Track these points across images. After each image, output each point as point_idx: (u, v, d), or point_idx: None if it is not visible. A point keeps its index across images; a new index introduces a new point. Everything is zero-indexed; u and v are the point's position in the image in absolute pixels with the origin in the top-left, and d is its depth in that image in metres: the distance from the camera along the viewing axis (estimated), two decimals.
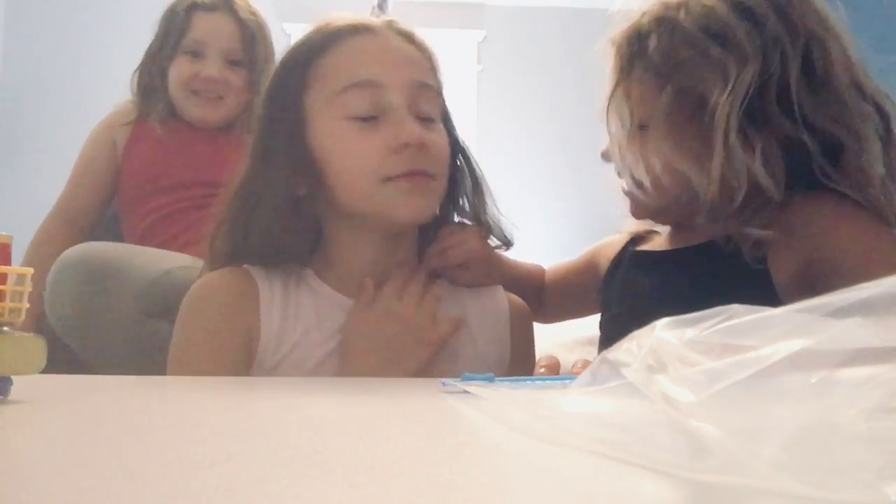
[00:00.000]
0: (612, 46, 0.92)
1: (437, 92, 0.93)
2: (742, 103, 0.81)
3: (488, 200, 1.00)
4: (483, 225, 0.98)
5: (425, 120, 0.88)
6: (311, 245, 0.92)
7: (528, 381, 0.61)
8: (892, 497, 0.20)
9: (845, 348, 0.24)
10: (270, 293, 0.87)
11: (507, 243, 1.00)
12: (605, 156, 0.96)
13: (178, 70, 1.47)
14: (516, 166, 3.84)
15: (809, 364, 0.24)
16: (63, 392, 0.63)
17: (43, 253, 1.39)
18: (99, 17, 3.69)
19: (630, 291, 0.96)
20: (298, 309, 0.88)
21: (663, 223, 0.98)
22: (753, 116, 0.82)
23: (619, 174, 0.95)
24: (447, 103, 0.98)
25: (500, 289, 0.99)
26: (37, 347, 0.53)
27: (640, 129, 0.88)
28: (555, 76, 3.77)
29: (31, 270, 0.55)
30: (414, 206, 0.86)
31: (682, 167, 0.85)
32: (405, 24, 0.97)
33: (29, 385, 0.55)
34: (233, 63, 1.47)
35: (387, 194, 0.85)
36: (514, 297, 1.00)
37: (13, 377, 0.52)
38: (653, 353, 0.28)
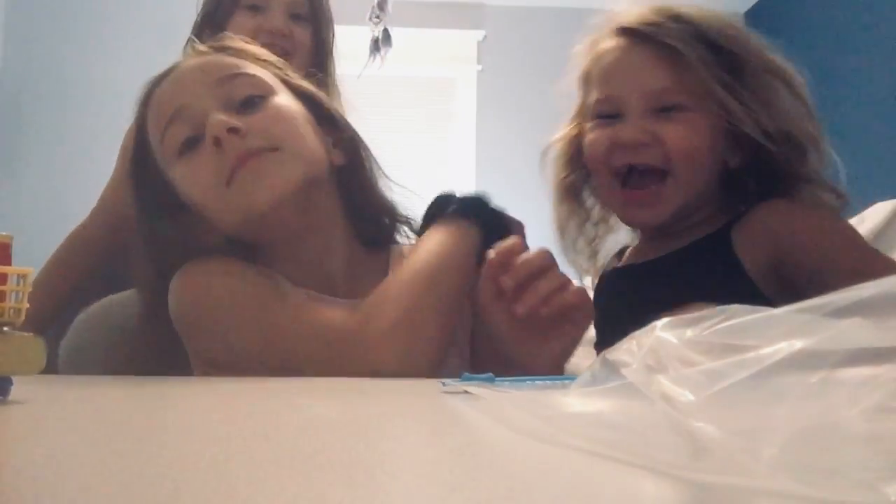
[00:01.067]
0: (625, 31, 0.94)
1: (248, 75, 0.90)
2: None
3: (379, 178, 0.98)
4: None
5: (249, 106, 0.86)
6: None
7: (528, 381, 0.61)
8: (892, 497, 0.20)
9: (845, 348, 0.24)
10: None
11: (413, 226, 0.99)
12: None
13: (239, 25, 1.33)
14: (516, 166, 3.84)
15: (809, 364, 0.24)
16: (63, 392, 0.63)
17: (78, 255, 1.30)
18: (99, 17, 3.69)
19: (625, 305, 0.97)
20: None
21: (671, 220, 0.98)
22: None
23: (631, 161, 0.93)
24: (289, 75, 0.96)
25: None
26: (37, 348, 0.53)
27: (672, 111, 0.90)
28: (555, 76, 3.77)
29: (31, 270, 0.55)
30: (261, 183, 0.83)
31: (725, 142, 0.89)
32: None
33: (29, 385, 0.55)
34: (296, 17, 1.37)
35: (236, 193, 0.83)
36: None
37: (13, 377, 0.52)
38: (652, 352, 0.28)
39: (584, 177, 1.03)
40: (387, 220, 0.99)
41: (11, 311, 0.53)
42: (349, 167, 0.95)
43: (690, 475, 0.25)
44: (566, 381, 0.39)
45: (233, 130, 0.82)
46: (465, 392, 0.56)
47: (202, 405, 0.57)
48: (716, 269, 0.89)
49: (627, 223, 1.01)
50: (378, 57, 3.28)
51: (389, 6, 3.13)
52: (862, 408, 0.24)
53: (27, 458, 0.33)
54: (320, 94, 0.98)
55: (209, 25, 1.37)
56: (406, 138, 3.92)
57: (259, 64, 0.94)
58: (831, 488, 0.22)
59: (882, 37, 2.95)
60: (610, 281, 1.04)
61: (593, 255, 1.05)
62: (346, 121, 0.99)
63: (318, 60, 1.39)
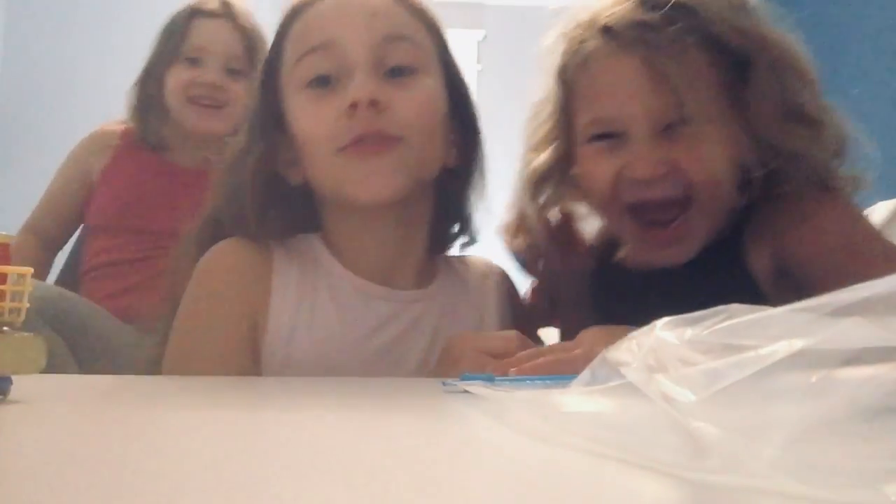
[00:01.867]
0: (606, 35, 0.80)
1: (414, 42, 0.82)
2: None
3: (479, 187, 0.90)
4: (461, 215, 0.90)
5: (397, 75, 0.79)
6: (303, 224, 0.85)
7: (528, 381, 0.61)
8: (892, 497, 0.21)
9: (846, 348, 0.24)
10: (286, 280, 0.80)
11: (473, 240, 0.93)
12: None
13: (176, 76, 1.40)
14: (516, 166, 3.84)
15: (810, 364, 0.24)
16: (63, 392, 0.63)
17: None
18: (100, 17, 3.69)
19: (640, 309, 0.90)
20: (316, 300, 0.80)
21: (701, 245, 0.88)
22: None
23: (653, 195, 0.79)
24: (450, 54, 0.87)
25: (494, 273, 0.93)
26: (37, 347, 0.53)
27: (670, 127, 0.78)
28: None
29: (31, 270, 0.55)
30: (368, 181, 0.77)
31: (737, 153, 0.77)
32: None
33: (29, 385, 0.55)
34: (233, 72, 1.40)
35: (341, 168, 0.77)
36: (491, 263, 0.95)
37: (13, 377, 0.52)
38: (652, 352, 0.28)
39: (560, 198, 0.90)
40: (457, 229, 0.92)
41: (11, 310, 0.53)
42: (458, 171, 0.88)
43: (691, 475, 0.25)
44: (567, 381, 0.39)
45: (373, 103, 0.75)
46: (465, 392, 0.56)
47: (202, 405, 0.57)
48: (724, 277, 0.83)
49: (649, 262, 0.85)
50: None
51: None
52: (862, 408, 0.24)
53: (27, 458, 0.33)
54: (468, 87, 0.91)
55: (151, 76, 1.43)
56: None
57: (429, 30, 0.85)
58: (832, 488, 0.22)
59: (882, 36, 2.95)
60: (615, 278, 0.98)
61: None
62: (478, 123, 0.92)
63: None
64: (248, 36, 1.42)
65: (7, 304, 0.53)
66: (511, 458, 0.34)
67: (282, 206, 0.83)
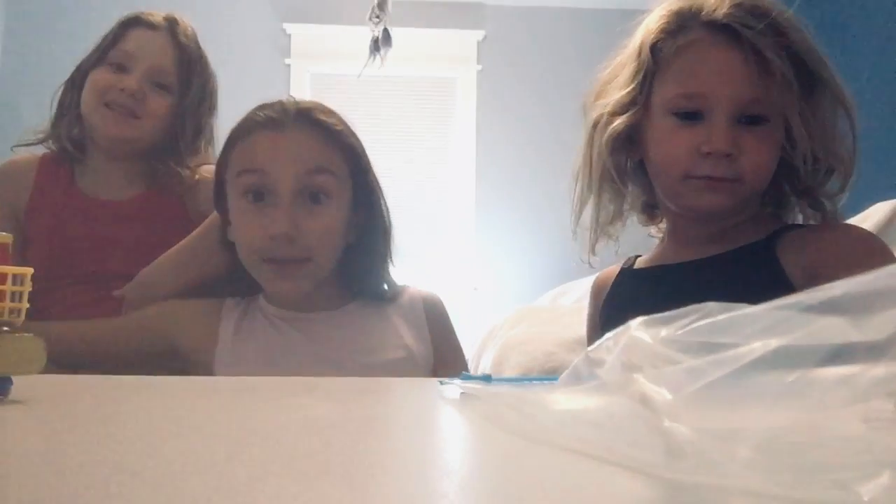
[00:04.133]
0: (719, 28, 0.89)
1: (331, 172, 1.03)
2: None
3: (386, 261, 1.13)
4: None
5: (314, 201, 1.02)
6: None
7: (525, 381, 0.62)
8: (864, 497, 0.20)
9: (821, 346, 0.24)
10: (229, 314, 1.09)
11: (381, 298, 1.12)
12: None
13: (95, 79, 1.31)
14: (516, 166, 3.84)
15: (786, 362, 0.24)
16: (63, 392, 0.63)
17: None
18: (100, 18, 3.68)
19: (659, 304, 0.95)
20: (254, 322, 1.08)
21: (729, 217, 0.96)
22: None
23: (710, 171, 0.89)
24: (360, 162, 1.09)
25: (409, 290, 1.14)
26: (36, 347, 0.53)
27: (751, 121, 0.88)
28: (555, 76, 3.77)
29: (30, 270, 0.55)
30: (283, 287, 1.04)
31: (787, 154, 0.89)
32: (323, 105, 1.10)
33: (29, 385, 0.55)
34: (158, 86, 1.32)
35: (262, 272, 1.04)
36: (425, 291, 1.16)
37: (13, 377, 0.52)
38: (626, 351, 0.28)
39: (625, 159, 1.00)
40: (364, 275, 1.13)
41: (11, 311, 0.53)
42: (359, 244, 1.10)
43: (667, 474, 0.25)
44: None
45: (289, 237, 0.99)
46: (462, 392, 0.57)
47: (202, 405, 0.57)
48: (760, 277, 0.87)
49: (693, 206, 0.94)
50: (378, 57, 3.28)
51: (389, 6, 3.13)
52: (837, 408, 0.24)
53: (27, 457, 0.33)
54: (373, 179, 1.11)
55: (75, 80, 1.35)
56: (406, 138, 3.92)
57: (345, 157, 1.05)
58: (805, 488, 0.22)
59: (882, 36, 2.95)
60: (633, 280, 1.02)
61: (614, 237, 1.03)
62: (378, 205, 1.11)
63: (171, 133, 1.35)
64: (183, 52, 1.35)
65: (7, 304, 0.53)
66: (499, 458, 0.34)
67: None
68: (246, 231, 1.03)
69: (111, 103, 1.30)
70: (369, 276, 1.11)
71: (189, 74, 1.35)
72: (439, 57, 3.95)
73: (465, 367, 1.15)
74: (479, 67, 3.98)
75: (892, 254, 0.89)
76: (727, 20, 0.88)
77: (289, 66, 3.91)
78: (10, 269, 0.53)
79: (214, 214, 1.13)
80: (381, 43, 3.20)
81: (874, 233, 1.14)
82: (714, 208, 0.92)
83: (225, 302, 1.10)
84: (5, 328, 0.53)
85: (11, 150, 1.40)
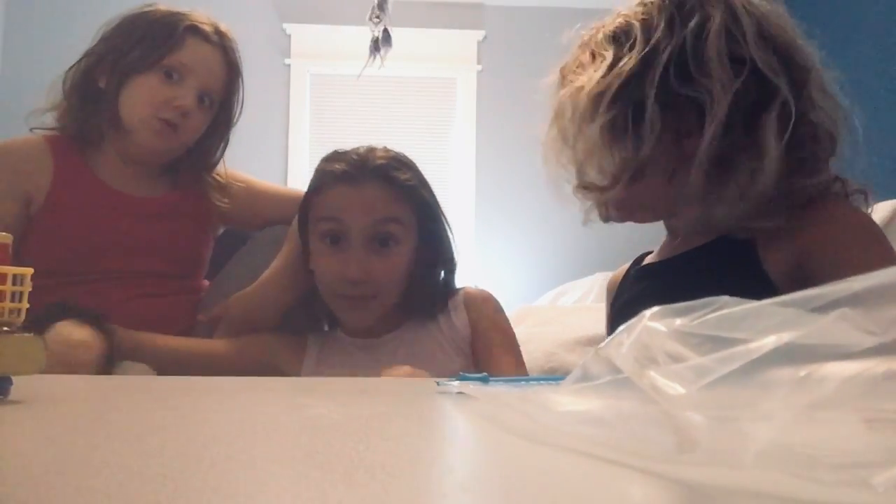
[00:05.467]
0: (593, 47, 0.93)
1: (399, 221, 1.15)
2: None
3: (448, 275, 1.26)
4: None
5: (383, 245, 1.14)
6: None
7: (522, 381, 0.62)
8: (879, 490, 0.21)
9: (833, 342, 0.24)
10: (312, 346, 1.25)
11: (433, 314, 1.23)
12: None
13: (150, 88, 1.26)
14: (516, 166, 3.84)
15: (797, 358, 0.24)
16: (63, 392, 0.63)
17: None
18: (100, 18, 3.69)
19: (639, 304, 0.95)
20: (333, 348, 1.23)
21: (647, 220, 0.97)
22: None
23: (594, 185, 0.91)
24: (431, 202, 1.21)
25: (459, 293, 1.25)
26: (36, 348, 0.53)
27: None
28: (554, 76, 3.77)
29: (30, 270, 0.55)
30: (352, 318, 1.19)
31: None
32: (388, 154, 1.22)
33: (29, 385, 0.55)
34: (203, 102, 1.31)
35: (336, 305, 1.18)
36: (471, 290, 1.26)
37: (13, 377, 0.52)
38: (641, 342, 0.28)
39: None
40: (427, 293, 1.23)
41: (11, 311, 0.53)
42: (419, 271, 1.21)
43: (678, 469, 0.25)
44: (560, 381, 0.39)
45: (359, 280, 1.12)
46: (460, 392, 0.57)
47: (202, 405, 0.57)
48: (736, 269, 0.85)
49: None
50: (378, 57, 3.28)
51: (389, 6, 3.13)
52: (849, 401, 0.24)
53: (27, 457, 0.33)
54: (440, 218, 1.22)
55: (112, 65, 1.28)
56: (406, 138, 3.92)
57: (414, 209, 1.17)
58: (819, 482, 0.22)
59: (882, 35, 2.95)
60: (634, 279, 1.03)
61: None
62: (446, 241, 1.23)
63: (204, 145, 1.35)
64: (232, 72, 1.35)
65: (7, 304, 0.53)
66: (504, 459, 0.34)
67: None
68: (324, 269, 1.16)
69: (162, 120, 1.26)
70: (425, 301, 1.22)
71: (233, 93, 1.36)
72: (439, 57, 3.95)
73: (518, 351, 1.22)
74: (480, 68, 3.98)
75: (879, 231, 0.86)
76: None
77: (289, 66, 3.91)
78: (11, 270, 0.53)
79: (296, 242, 1.23)
80: (381, 43, 3.20)
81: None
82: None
83: (309, 336, 1.25)
84: (5, 328, 0.53)
85: (31, 132, 1.33)
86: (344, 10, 3.79)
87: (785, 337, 0.25)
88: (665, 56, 0.83)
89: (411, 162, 1.24)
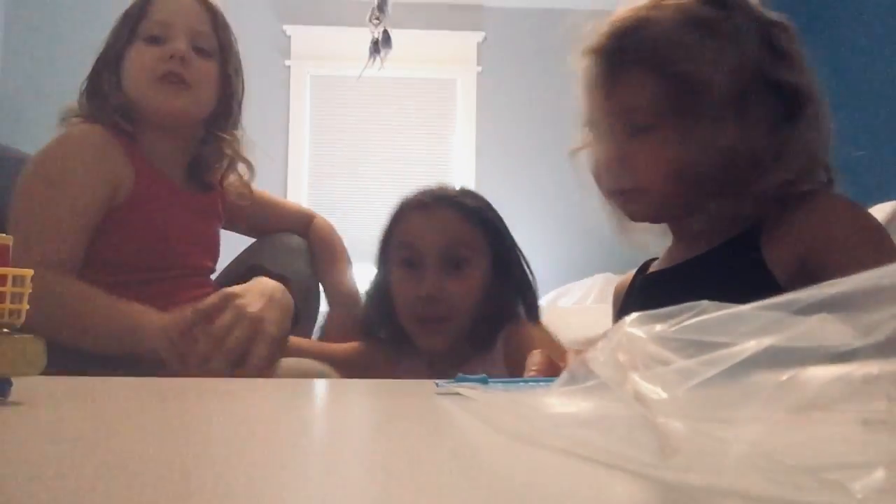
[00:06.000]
0: (592, 54, 0.92)
1: (470, 244, 1.20)
2: (740, 82, 0.84)
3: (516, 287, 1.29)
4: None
5: (455, 266, 1.19)
6: None
7: (520, 383, 0.62)
8: (858, 495, 0.21)
9: (814, 346, 0.24)
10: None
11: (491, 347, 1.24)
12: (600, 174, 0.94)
13: (139, 57, 1.20)
14: (516, 166, 3.84)
15: (779, 361, 0.24)
16: (63, 393, 0.63)
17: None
18: (100, 18, 3.69)
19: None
20: None
21: (661, 221, 0.97)
22: (747, 97, 0.85)
23: (607, 185, 0.93)
24: (502, 230, 1.26)
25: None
26: (37, 349, 0.53)
27: (638, 132, 0.88)
28: (554, 77, 3.78)
29: (30, 272, 0.55)
30: (427, 341, 1.20)
31: (693, 157, 0.86)
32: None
33: (29, 386, 0.55)
34: (200, 51, 1.23)
35: (412, 328, 1.20)
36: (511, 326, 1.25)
37: (13, 378, 0.52)
38: (622, 348, 0.28)
39: None
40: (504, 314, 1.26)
41: (11, 312, 0.53)
42: (494, 294, 1.24)
43: (661, 474, 0.25)
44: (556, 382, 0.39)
45: (432, 298, 1.16)
46: (457, 393, 0.57)
47: (202, 405, 0.57)
48: (742, 274, 0.85)
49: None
50: (378, 58, 3.28)
51: (389, 8, 3.14)
52: (830, 406, 0.24)
53: (27, 458, 0.33)
54: (511, 246, 1.26)
55: (106, 67, 1.24)
56: (406, 139, 3.92)
57: (485, 232, 1.22)
58: (799, 487, 0.22)
59: (883, 36, 2.95)
60: (640, 289, 1.02)
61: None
62: (519, 265, 1.26)
63: (223, 107, 1.28)
64: (216, 15, 1.28)
65: (7, 305, 0.53)
66: (495, 460, 0.34)
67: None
68: (401, 293, 1.21)
69: (163, 76, 1.20)
70: (491, 332, 1.23)
71: (227, 37, 1.29)
72: (439, 58, 3.96)
73: None
74: (479, 69, 3.98)
75: (880, 226, 0.87)
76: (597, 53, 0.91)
77: (289, 67, 3.91)
78: (11, 271, 0.53)
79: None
80: (380, 44, 3.20)
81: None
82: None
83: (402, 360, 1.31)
84: (5, 329, 0.53)
85: (62, 122, 1.25)
86: (344, 12, 3.79)
87: (766, 340, 0.25)
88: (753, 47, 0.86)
89: (481, 196, 1.31)
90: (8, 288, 0.53)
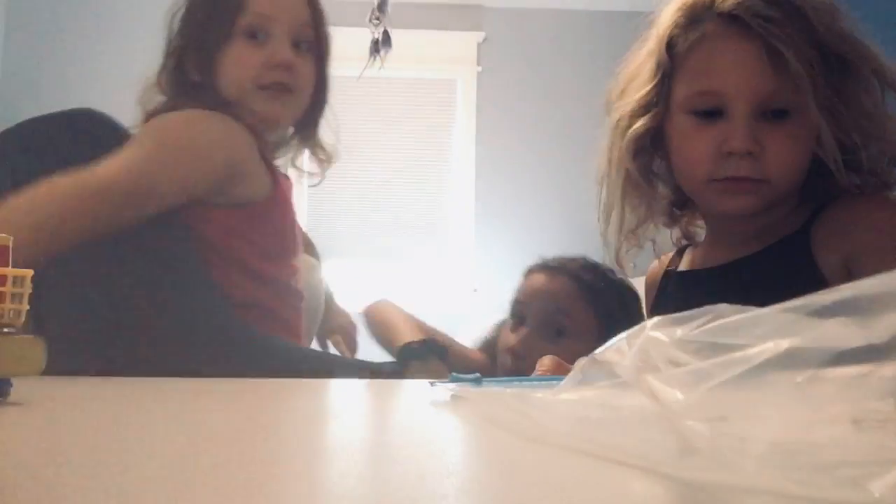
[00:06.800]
0: (726, 16, 0.84)
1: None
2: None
3: None
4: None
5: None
6: None
7: (515, 381, 0.62)
8: (875, 494, 0.21)
9: (831, 347, 0.24)
10: None
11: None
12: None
13: (240, 57, 1.10)
14: (516, 166, 3.84)
15: (796, 363, 0.24)
16: (63, 393, 0.63)
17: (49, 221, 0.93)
18: (100, 18, 3.69)
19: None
20: None
21: (760, 215, 0.91)
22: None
23: (727, 172, 0.85)
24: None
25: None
26: (37, 349, 0.53)
27: (774, 116, 0.84)
28: (554, 77, 3.77)
29: (30, 272, 0.55)
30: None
31: (824, 147, 0.82)
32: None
33: (29, 387, 0.55)
34: (300, 47, 1.14)
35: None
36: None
37: (13, 379, 0.53)
38: (643, 351, 0.28)
39: (651, 160, 0.96)
40: None
41: (11, 312, 0.53)
42: None
43: (678, 473, 0.25)
44: (553, 382, 0.39)
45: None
46: (453, 393, 0.57)
47: (202, 405, 0.57)
48: (794, 275, 0.84)
49: (718, 210, 0.91)
50: (378, 58, 3.28)
51: (389, 8, 3.13)
52: (847, 406, 0.24)
53: (27, 458, 0.33)
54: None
55: (196, 52, 1.13)
56: (406, 139, 3.92)
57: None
58: (817, 485, 0.22)
59: (882, 33, 2.95)
60: (678, 284, 0.99)
61: (640, 245, 0.98)
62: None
63: (318, 98, 1.19)
64: (315, 4, 1.17)
65: (7, 305, 0.53)
66: (502, 458, 0.34)
67: None
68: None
69: (269, 85, 1.11)
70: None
71: (327, 31, 1.18)
72: (439, 58, 3.95)
73: None
74: (480, 69, 3.98)
75: None
76: (737, 11, 0.84)
77: None
78: (11, 271, 0.53)
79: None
80: (380, 44, 3.20)
81: None
82: (739, 211, 0.88)
83: None
84: (6, 330, 0.53)
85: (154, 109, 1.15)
86: (343, 12, 3.78)
87: (783, 343, 0.25)
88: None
89: None
90: (8, 288, 0.53)
